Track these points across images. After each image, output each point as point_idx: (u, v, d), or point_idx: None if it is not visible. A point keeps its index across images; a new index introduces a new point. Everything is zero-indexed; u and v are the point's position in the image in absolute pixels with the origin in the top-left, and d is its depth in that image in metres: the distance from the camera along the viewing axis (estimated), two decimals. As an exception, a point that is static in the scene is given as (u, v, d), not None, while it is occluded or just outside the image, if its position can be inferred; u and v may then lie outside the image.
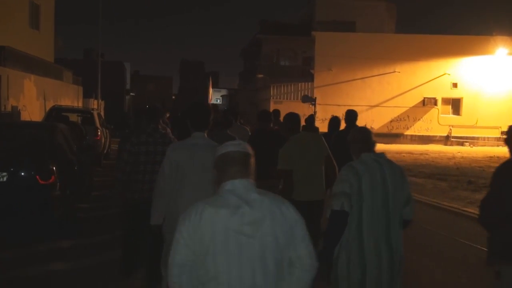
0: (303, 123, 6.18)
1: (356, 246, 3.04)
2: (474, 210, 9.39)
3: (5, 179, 6.17)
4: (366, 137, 3.26)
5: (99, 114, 15.27)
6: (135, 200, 4.77)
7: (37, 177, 6.29)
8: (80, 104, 24.32)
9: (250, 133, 6.87)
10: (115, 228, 6.49)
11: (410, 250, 6.62)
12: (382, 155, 3.23)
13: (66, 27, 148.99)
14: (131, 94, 52.33)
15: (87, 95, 27.03)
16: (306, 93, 29.23)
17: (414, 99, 29.85)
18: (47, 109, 15.45)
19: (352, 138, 3.34)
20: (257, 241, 2.06)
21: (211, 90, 34.56)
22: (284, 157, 4.79)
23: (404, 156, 21.25)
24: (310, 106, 23.41)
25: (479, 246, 6.87)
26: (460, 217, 9.04)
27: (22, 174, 6.35)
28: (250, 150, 2.27)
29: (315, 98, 25.63)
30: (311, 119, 8.42)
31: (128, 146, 4.83)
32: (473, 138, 29.54)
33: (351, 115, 6.93)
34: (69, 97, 22.53)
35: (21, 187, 6.28)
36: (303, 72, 36.59)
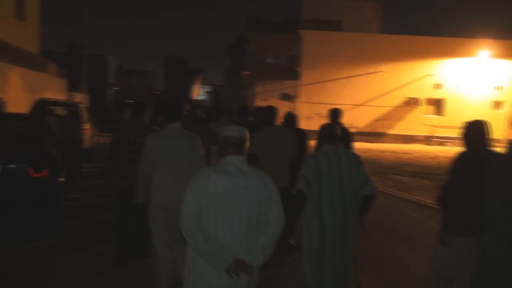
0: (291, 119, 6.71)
1: (316, 218, 3.73)
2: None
3: (-3, 172, 6.11)
4: (329, 132, 3.97)
5: (85, 108, 15.10)
6: (121, 186, 5.27)
7: (30, 170, 6.24)
8: (64, 98, 24.05)
9: None
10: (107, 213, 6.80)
11: (403, 247, 6.81)
12: (340, 146, 3.94)
13: (50, 19, 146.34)
14: (115, 88, 51.81)
15: (71, 88, 26.75)
16: (292, 91, 29.45)
17: (397, 99, 30.26)
18: (34, 102, 15.23)
19: (320, 132, 4.08)
20: (246, 201, 2.76)
21: (199, 86, 34.85)
22: (253, 142, 5.18)
23: (387, 154, 21.55)
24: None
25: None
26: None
27: (15, 167, 6.27)
28: (246, 135, 2.94)
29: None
30: (290, 115, 8.76)
31: (113, 138, 5.41)
32: (455, 138, 30.04)
33: (335, 114, 7.37)
34: (54, 90, 22.25)
35: (14, 180, 6.21)
36: (288, 70, 36.73)
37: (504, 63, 30.46)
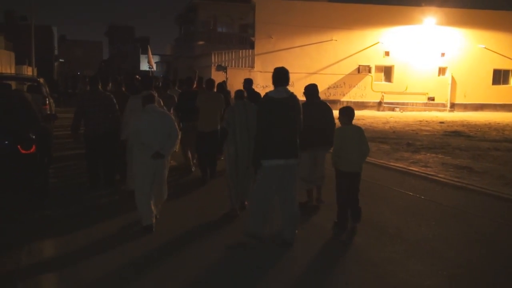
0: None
1: (233, 142, 6.44)
2: (418, 169, 10.42)
3: (-15, 149, 6.11)
4: (239, 94, 6.80)
5: (45, 82, 14.64)
6: (89, 136, 7.65)
7: (19, 146, 6.28)
8: (13, 71, 23.08)
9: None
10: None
11: (374, 205, 7.41)
12: (247, 101, 6.75)
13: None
14: (60, 60, 49.79)
15: (19, 61, 25.61)
16: (247, 60, 29.81)
17: (349, 66, 31.09)
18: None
19: (234, 94, 6.88)
20: (159, 126, 5.72)
21: (151, 57, 34.20)
22: (198, 101, 8.56)
23: (343, 121, 22.28)
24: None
25: (427, 198, 7.82)
26: (406, 175, 9.99)
27: (3, 144, 6.29)
28: (155, 94, 6.10)
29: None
30: (223, 83, 10.70)
31: (77, 105, 7.75)
32: (403, 103, 31.47)
33: (247, 82, 9.90)
34: (1, 64, 21.30)
35: (3, 157, 6.24)
36: (241, 39, 36.66)
37: (448, 30, 31.87)
